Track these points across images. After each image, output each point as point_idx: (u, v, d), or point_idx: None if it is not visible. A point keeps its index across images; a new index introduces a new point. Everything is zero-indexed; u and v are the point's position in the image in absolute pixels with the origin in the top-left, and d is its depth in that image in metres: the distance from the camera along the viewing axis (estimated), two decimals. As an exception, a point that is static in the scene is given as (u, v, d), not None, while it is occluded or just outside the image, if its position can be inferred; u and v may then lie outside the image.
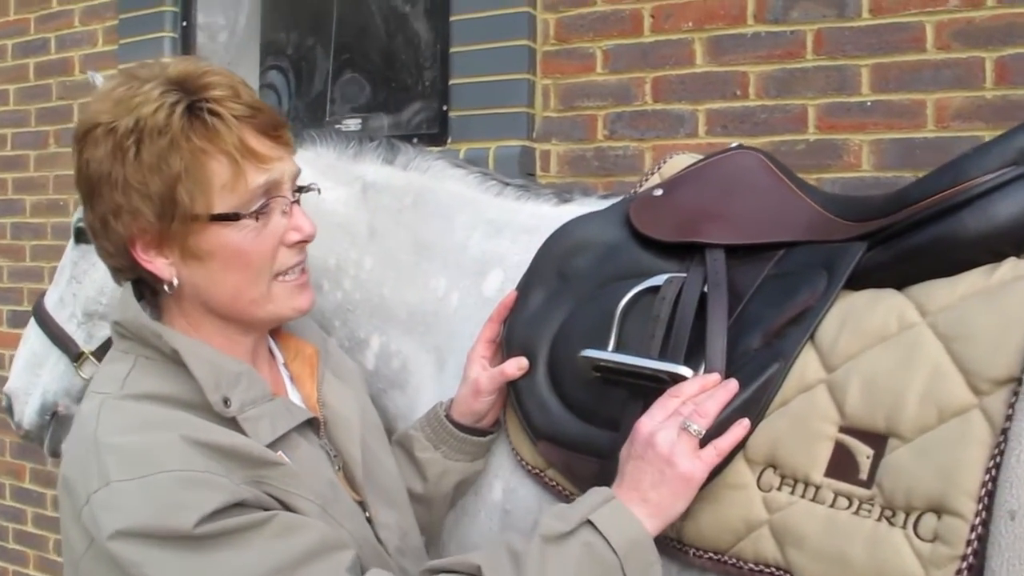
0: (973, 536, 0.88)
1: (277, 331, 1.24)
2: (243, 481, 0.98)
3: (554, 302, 1.32)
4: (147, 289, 1.12)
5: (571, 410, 1.25)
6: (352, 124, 3.19)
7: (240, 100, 1.06)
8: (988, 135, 2.23)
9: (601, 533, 1.00)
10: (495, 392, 1.30)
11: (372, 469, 1.19)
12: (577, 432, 1.22)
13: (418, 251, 1.52)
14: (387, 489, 1.21)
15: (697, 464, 1.02)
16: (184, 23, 3.41)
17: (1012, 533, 0.84)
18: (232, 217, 1.05)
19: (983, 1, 2.22)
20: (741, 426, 1.04)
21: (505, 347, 1.32)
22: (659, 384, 1.11)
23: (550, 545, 1.00)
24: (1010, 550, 0.84)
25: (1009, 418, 0.89)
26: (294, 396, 1.20)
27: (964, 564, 0.88)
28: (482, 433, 1.32)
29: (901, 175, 2.28)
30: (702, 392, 1.06)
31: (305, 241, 1.13)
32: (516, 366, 1.28)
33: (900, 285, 1.07)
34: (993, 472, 0.88)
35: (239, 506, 0.95)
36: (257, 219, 1.07)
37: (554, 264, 1.35)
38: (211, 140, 1.03)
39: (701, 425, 1.03)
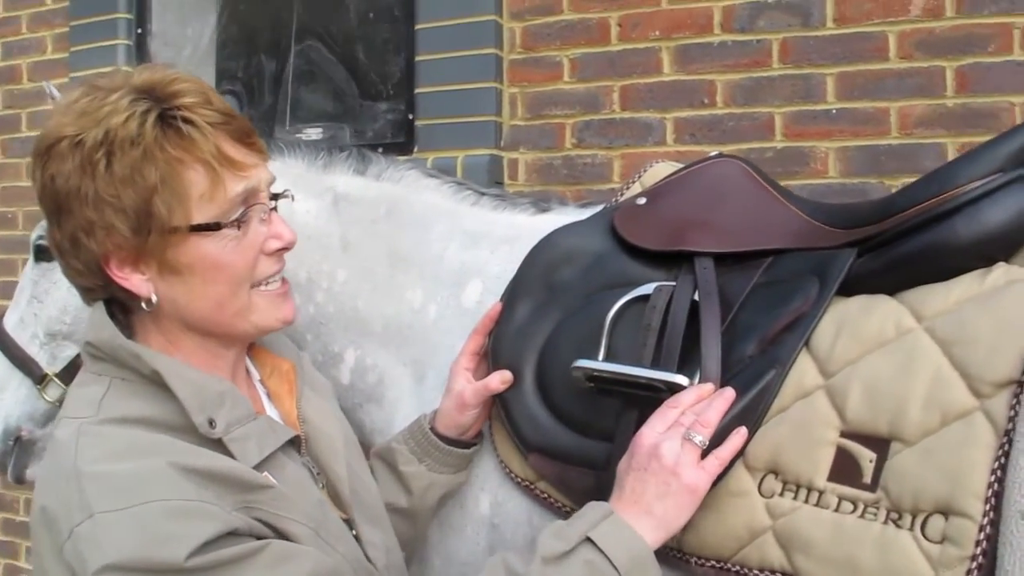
0: (982, 536, 0.89)
1: (252, 347, 1.21)
2: (233, 507, 0.94)
3: (541, 313, 1.31)
4: (118, 307, 1.08)
5: (562, 422, 1.23)
6: (313, 133, 3.15)
7: (212, 107, 1.03)
8: (950, 142, 2.28)
9: (602, 550, 0.98)
10: (479, 405, 1.28)
11: (355, 486, 1.17)
12: (570, 444, 1.21)
13: (393, 263, 1.50)
14: (370, 506, 1.19)
15: (701, 475, 1.01)
16: (139, 30, 3.34)
17: (1022, 533, 0.85)
18: (212, 227, 1.02)
19: (943, 12, 2.27)
20: (739, 435, 1.04)
21: (492, 359, 1.31)
22: (655, 393, 1.10)
23: (550, 566, 0.97)
24: (1020, 549, 0.85)
25: (1011, 419, 0.91)
26: (272, 414, 1.17)
27: (974, 564, 0.89)
28: (467, 445, 1.30)
29: (867, 181, 2.32)
30: (699, 401, 1.06)
31: (286, 248, 1.10)
32: (500, 379, 1.26)
33: (892, 291, 1.08)
34: (999, 473, 0.90)
35: (231, 535, 0.92)
36: (237, 228, 1.04)
37: (540, 275, 1.34)
38: (187, 149, 1.00)
39: (704, 435, 1.02)
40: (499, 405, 1.28)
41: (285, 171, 1.54)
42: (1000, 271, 1.02)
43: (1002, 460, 0.90)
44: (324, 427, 1.17)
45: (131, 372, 1.01)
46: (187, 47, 3.42)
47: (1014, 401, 0.91)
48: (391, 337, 1.47)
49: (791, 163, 2.36)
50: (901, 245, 1.08)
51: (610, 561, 0.97)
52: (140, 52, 3.33)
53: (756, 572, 1.02)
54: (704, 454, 1.03)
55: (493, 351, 1.31)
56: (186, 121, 1.00)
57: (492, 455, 1.32)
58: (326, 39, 3.10)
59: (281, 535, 0.98)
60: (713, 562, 1.05)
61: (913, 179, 2.23)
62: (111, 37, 3.29)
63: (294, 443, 1.11)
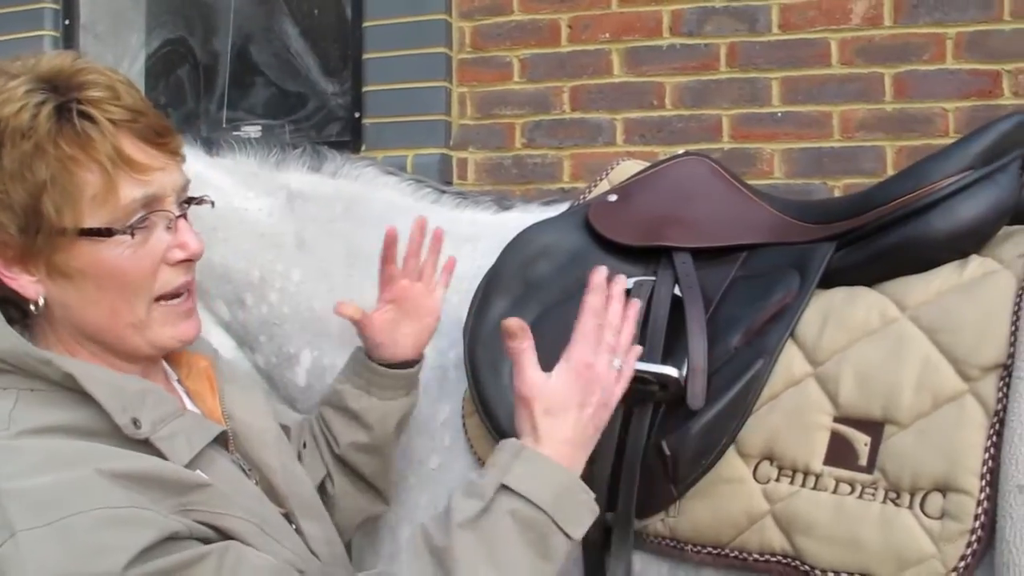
0: (980, 511, 0.93)
1: None
2: (171, 510, 0.88)
3: (519, 308, 1.30)
4: (14, 310, 0.99)
5: (542, 417, 1.23)
6: (252, 131, 3.08)
7: (119, 102, 0.95)
8: (888, 145, 2.37)
9: (521, 494, 0.92)
10: (401, 319, 1.28)
11: (289, 479, 1.13)
12: (551, 438, 1.20)
13: (352, 262, 1.47)
14: (306, 499, 1.15)
15: (618, 391, 1.04)
16: (67, 21, 3.22)
17: (1022, 505, 0.90)
18: (104, 233, 0.94)
19: (882, 21, 2.36)
20: (634, 351, 1.07)
21: (468, 357, 1.30)
22: (642, 385, 1.11)
23: (468, 531, 0.91)
24: (1021, 521, 0.89)
25: (1000, 400, 0.96)
26: (193, 411, 1.11)
27: (973, 537, 0.93)
28: (408, 364, 1.29)
29: (810, 182, 2.39)
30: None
31: (190, 260, 1.02)
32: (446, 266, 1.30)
33: (871, 283, 1.12)
34: (992, 451, 0.94)
35: (171, 540, 0.86)
36: (134, 235, 0.96)
37: (517, 271, 1.34)
38: (82, 147, 0.92)
39: (621, 360, 1.04)
40: (476, 399, 1.28)
41: (236, 169, 1.50)
42: (976, 263, 1.07)
43: (994, 439, 0.94)
44: (251, 421, 1.12)
45: (40, 381, 0.93)
46: (118, 40, 3.32)
47: (1002, 383, 0.96)
48: (350, 337, 1.45)
49: (738, 164, 2.42)
50: (880, 239, 1.11)
51: (533, 503, 0.92)
52: (68, 44, 3.21)
53: (756, 556, 1.04)
54: None
55: (470, 348, 1.30)
56: (84, 116, 0.93)
57: (466, 456, 1.31)
58: (267, 34, 3.04)
59: (223, 534, 0.93)
60: (710, 549, 1.07)
61: (854, 180, 2.34)
62: (36, 28, 3.17)
63: (221, 440, 1.05)
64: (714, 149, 2.45)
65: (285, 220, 1.49)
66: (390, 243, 1.29)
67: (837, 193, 2.37)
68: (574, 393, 1.00)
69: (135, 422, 0.92)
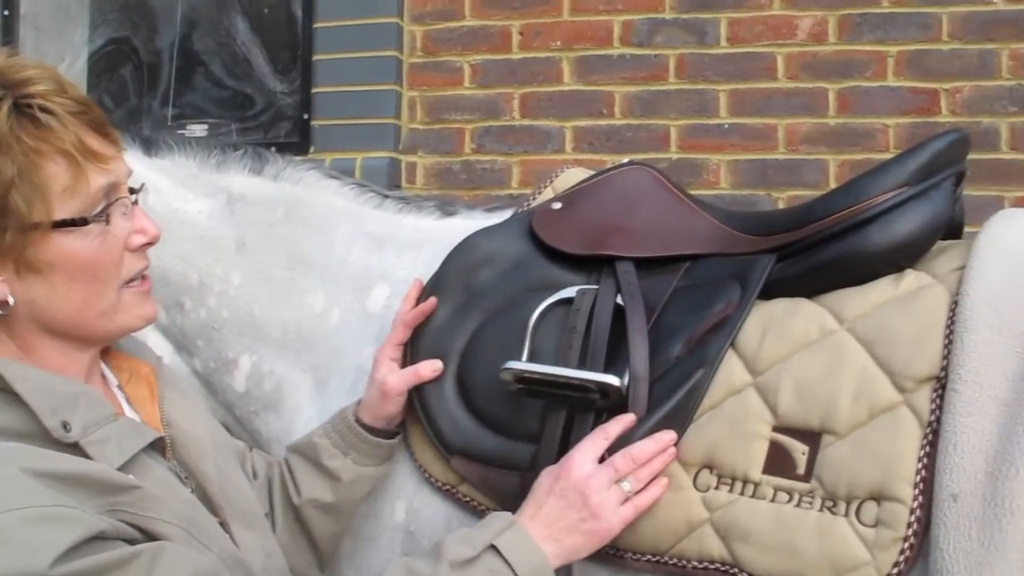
0: (913, 519, 0.95)
1: (106, 351, 1.14)
2: (98, 510, 0.88)
3: (461, 316, 1.30)
4: None
5: (485, 424, 1.23)
6: (197, 130, 3.03)
7: (67, 95, 0.97)
8: (831, 159, 2.42)
9: (505, 559, 0.99)
10: (404, 394, 1.26)
11: (225, 488, 1.12)
12: (493, 446, 1.20)
13: (293, 266, 1.46)
14: (243, 509, 1.14)
15: (616, 521, 1.04)
16: (5, 12, 3.14)
17: (956, 513, 0.92)
18: (79, 223, 0.95)
19: (826, 37, 2.41)
20: (660, 485, 1.07)
21: (410, 363, 1.29)
22: (584, 394, 1.11)
23: (456, 571, 0.98)
24: (955, 528, 0.91)
25: (934, 412, 0.98)
26: (133, 418, 1.10)
27: (906, 544, 0.95)
28: (392, 435, 1.28)
29: (755, 193, 2.43)
30: (625, 431, 1.08)
31: (150, 243, 1.05)
32: (431, 367, 1.25)
33: (810, 295, 1.13)
34: (925, 461, 0.96)
35: (98, 540, 0.86)
36: (107, 223, 0.98)
37: (459, 277, 1.33)
38: (45, 139, 0.93)
39: (634, 487, 1.05)
40: (419, 409, 1.27)
41: (175, 170, 1.47)
42: (911, 277, 1.09)
43: (928, 449, 0.97)
44: (190, 429, 1.12)
45: None
46: (60, 35, 3.24)
47: (935, 395, 0.99)
48: (290, 343, 1.43)
49: (685, 174, 2.45)
50: (819, 251, 1.13)
51: (513, 570, 0.99)
52: (7, 35, 3.13)
53: (695, 563, 1.04)
54: None
55: (412, 353, 1.29)
56: (44, 110, 0.93)
57: (407, 462, 1.30)
58: (216, 33, 3.00)
59: (150, 536, 0.92)
60: (649, 556, 1.07)
61: (798, 192, 2.38)
62: (-28, 17, 3.08)
63: (158, 447, 1.05)
64: (662, 159, 2.47)
65: (225, 223, 1.46)
66: (425, 311, 1.29)
67: (781, 204, 2.42)
68: (589, 505, 1.03)
69: (65, 425, 0.91)
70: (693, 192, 2.36)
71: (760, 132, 2.43)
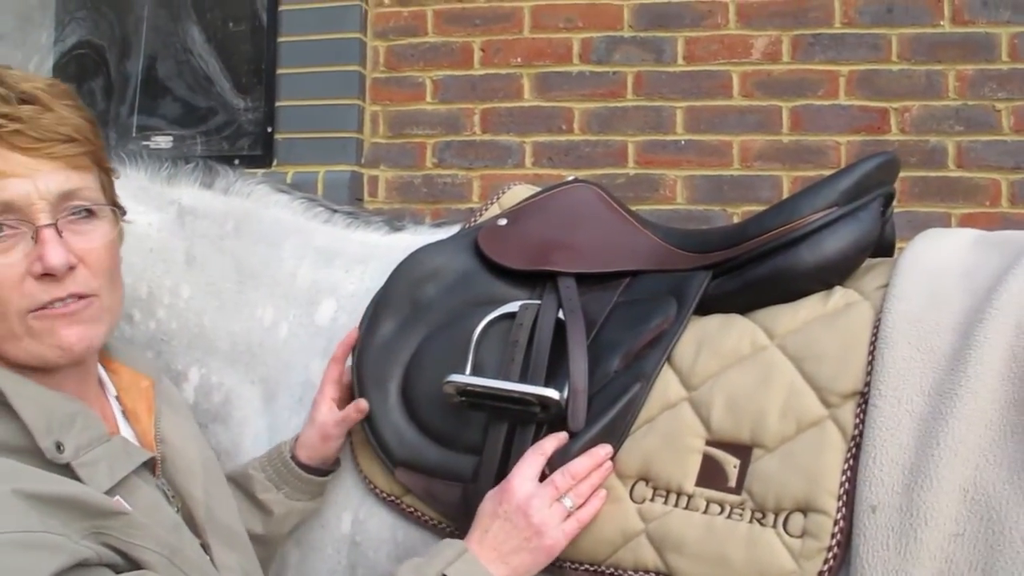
0: (836, 529, 0.98)
1: (107, 360, 1.15)
2: (82, 533, 0.88)
3: (406, 330, 1.32)
4: None
5: (428, 436, 1.24)
6: (162, 142, 3.03)
7: None
8: (785, 175, 2.47)
9: None
10: (343, 435, 1.27)
11: (212, 507, 1.13)
12: (437, 458, 1.22)
13: (242, 279, 1.46)
14: (227, 528, 1.15)
15: (560, 537, 1.06)
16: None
17: (875, 523, 0.95)
18: None
19: (780, 56, 2.46)
20: (599, 498, 1.09)
21: (355, 375, 1.30)
22: (524, 407, 1.13)
23: None
24: (873, 538, 0.94)
25: (857, 427, 1.01)
26: (127, 432, 1.11)
27: (830, 554, 0.98)
28: (326, 473, 1.29)
29: (711, 208, 2.47)
30: (559, 446, 1.10)
31: (49, 274, 0.95)
32: (355, 409, 1.25)
33: (743, 311, 1.16)
34: (848, 473, 0.99)
35: (81, 567, 0.86)
36: None
37: (405, 292, 1.35)
38: None
39: (576, 502, 1.07)
40: (363, 421, 1.28)
41: (126, 183, 1.48)
42: (839, 294, 1.12)
43: (851, 462, 0.99)
44: (182, 448, 1.12)
45: None
46: (26, 40, 3.22)
47: (858, 410, 1.02)
48: (239, 355, 1.44)
49: (642, 189, 2.49)
50: (752, 269, 1.16)
51: None
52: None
53: (631, 573, 1.06)
54: None
55: (357, 367, 1.30)
56: None
57: (352, 473, 1.31)
58: (181, 46, 2.99)
59: (133, 563, 0.93)
60: (587, 566, 1.09)
61: (752, 207, 2.42)
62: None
63: (148, 464, 1.06)
64: (619, 174, 2.51)
65: (175, 236, 1.47)
66: (350, 345, 1.30)
67: (736, 220, 2.46)
68: (532, 524, 1.05)
69: (58, 446, 0.91)
70: (650, 207, 2.44)
71: (715, 148, 2.47)
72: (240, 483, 1.28)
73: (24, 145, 0.94)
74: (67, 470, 0.92)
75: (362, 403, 1.25)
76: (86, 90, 3.16)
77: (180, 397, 1.26)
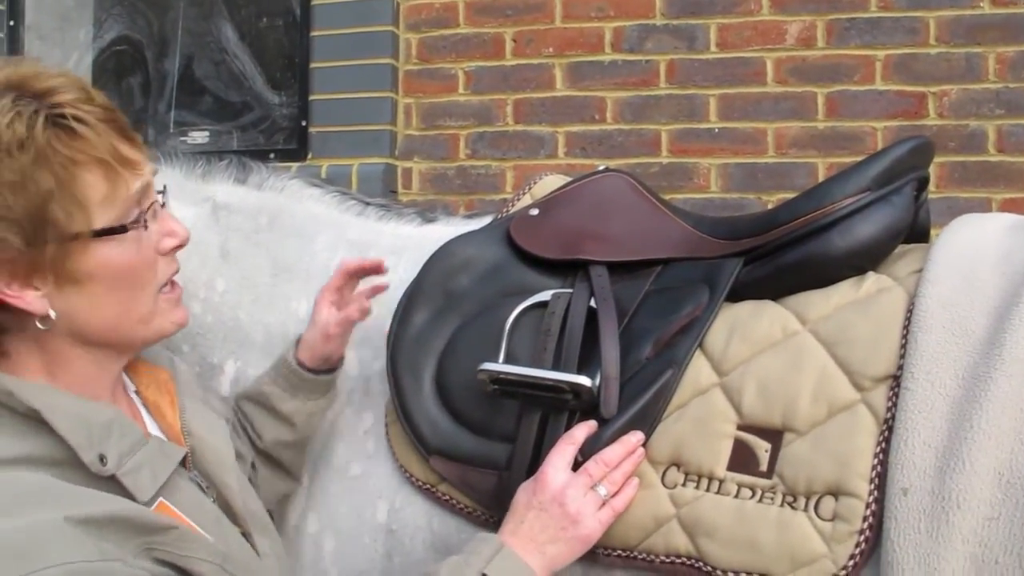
0: (868, 512, 0.98)
1: None
2: (135, 552, 0.88)
3: (439, 320, 1.33)
4: None
5: (462, 424, 1.26)
6: (199, 137, 3.08)
7: (95, 103, 0.96)
8: (820, 162, 2.44)
9: None
10: (343, 335, 1.31)
11: (246, 499, 1.13)
12: (471, 446, 1.23)
13: (276, 273, 1.48)
14: (258, 515, 1.16)
15: (596, 525, 1.06)
16: (11, 23, 3.19)
17: (906, 506, 0.95)
18: (119, 230, 0.95)
19: (815, 42, 2.43)
20: (632, 486, 1.10)
21: (390, 366, 1.32)
22: (557, 395, 1.14)
23: None
24: (905, 521, 0.94)
25: (890, 410, 1.01)
26: (153, 428, 1.11)
27: (862, 537, 0.98)
28: (331, 371, 1.33)
29: (745, 196, 2.45)
30: (589, 434, 1.10)
31: (180, 246, 1.06)
32: (358, 308, 1.30)
33: (775, 297, 1.16)
34: (880, 456, 0.99)
35: None
36: (145, 228, 0.99)
37: (438, 282, 1.36)
38: (81, 149, 0.92)
39: (609, 491, 1.07)
40: (398, 409, 1.30)
41: (162, 180, 1.51)
42: (871, 280, 1.12)
43: (883, 445, 0.99)
44: (210, 439, 1.12)
45: (2, 407, 0.91)
46: (64, 38, 3.29)
47: (891, 393, 1.01)
48: (275, 348, 1.45)
49: (676, 178, 2.48)
50: (784, 255, 1.16)
51: None
52: (12, 45, 3.18)
53: (663, 558, 1.07)
54: None
55: (392, 357, 1.32)
56: (77, 119, 0.93)
57: (388, 462, 1.32)
58: (216, 43, 3.04)
59: (186, 574, 0.92)
60: (619, 552, 1.10)
61: (787, 195, 2.40)
62: (-21, 28, 3.14)
63: (181, 460, 1.05)
64: (653, 163, 2.50)
65: (210, 231, 1.50)
66: (363, 265, 1.32)
67: (771, 208, 2.44)
68: (568, 514, 1.05)
69: (102, 459, 0.91)
70: (684, 196, 2.43)
71: (749, 136, 2.45)
72: (259, 400, 1.31)
73: (128, 134, 0.99)
74: (112, 480, 0.92)
75: (365, 303, 1.30)
76: (125, 87, 3.22)
77: (196, 385, 1.25)
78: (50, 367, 0.97)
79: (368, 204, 1.53)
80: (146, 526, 0.90)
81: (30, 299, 0.93)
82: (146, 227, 0.99)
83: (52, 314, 0.94)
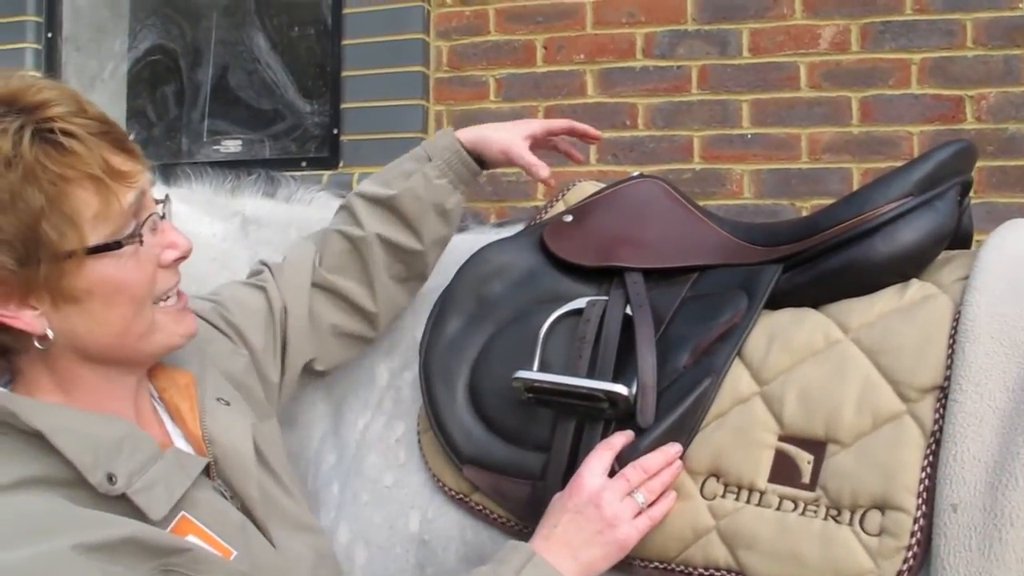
0: (916, 528, 0.95)
1: None
2: (147, 574, 0.86)
3: (472, 327, 1.32)
4: None
5: (495, 433, 1.24)
6: (232, 145, 3.10)
7: (87, 115, 0.93)
8: (855, 167, 2.41)
9: None
10: (509, 163, 1.39)
11: (273, 499, 1.11)
12: (504, 455, 1.22)
13: None
14: (292, 514, 1.13)
15: (633, 531, 1.04)
16: (49, 35, 3.23)
17: (956, 523, 0.92)
18: (113, 247, 0.92)
19: (849, 46, 2.40)
20: (670, 498, 1.08)
21: (423, 373, 1.31)
22: (593, 403, 1.13)
23: None
24: (955, 538, 0.92)
25: (937, 422, 0.98)
26: (176, 434, 1.07)
27: (909, 553, 0.95)
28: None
29: (779, 202, 2.42)
30: (627, 442, 1.09)
31: (182, 258, 1.02)
32: (542, 169, 1.37)
33: (815, 305, 1.14)
34: (928, 470, 0.97)
35: None
36: (140, 243, 0.95)
37: (471, 289, 1.35)
38: (71, 165, 0.89)
39: (647, 499, 1.05)
40: (431, 417, 1.29)
41: (191, 196, 1.52)
42: (916, 287, 1.09)
43: (931, 458, 0.97)
44: (233, 444, 1.07)
45: (8, 428, 0.89)
46: (100, 48, 3.33)
47: (938, 404, 0.99)
48: None
49: (708, 184, 2.45)
50: (824, 261, 1.14)
51: None
52: (50, 57, 3.23)
53: (701, 571, 1.05)
54: None
55: (425, 364, 1.31)
56: (66, 134, 0.90)
57: (420, 471, 1.31)
58: (248, 52, 3.07)
59: None
60: (657, 563, 1.08)
61: (821, 201, 2.37)
62: (19, 40, 3.18)
63: (203, 469, 1.02)
64: (685, 169, 2.48)
65: (239, 244, 1.51)
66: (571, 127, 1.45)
67: (805, 214, 2.41)
68: (604, 517, 1.04)
69: (110, 478, 0.88)
70: (716, 203, 2.41)
71: (783, 142, 2.42)
72: (431, 198, 1.33)
73: (123, 146, 0.97)
74: (122, 499, 0.89)
75: (544, 169, 1.37)
76: (159, 96, 3.25)
77: (227, 384, 1.19)
78: (62, 384, 0.96)
79: None
80: (159, 548, 0.87)
81: (28, 319, 0.91)
82: (142, 241, 0.95)
83: (49, 334, 0.92)
